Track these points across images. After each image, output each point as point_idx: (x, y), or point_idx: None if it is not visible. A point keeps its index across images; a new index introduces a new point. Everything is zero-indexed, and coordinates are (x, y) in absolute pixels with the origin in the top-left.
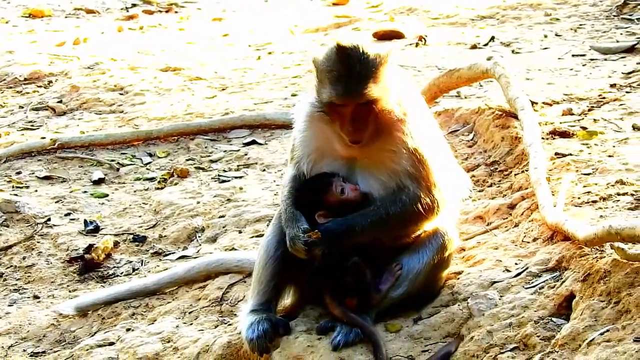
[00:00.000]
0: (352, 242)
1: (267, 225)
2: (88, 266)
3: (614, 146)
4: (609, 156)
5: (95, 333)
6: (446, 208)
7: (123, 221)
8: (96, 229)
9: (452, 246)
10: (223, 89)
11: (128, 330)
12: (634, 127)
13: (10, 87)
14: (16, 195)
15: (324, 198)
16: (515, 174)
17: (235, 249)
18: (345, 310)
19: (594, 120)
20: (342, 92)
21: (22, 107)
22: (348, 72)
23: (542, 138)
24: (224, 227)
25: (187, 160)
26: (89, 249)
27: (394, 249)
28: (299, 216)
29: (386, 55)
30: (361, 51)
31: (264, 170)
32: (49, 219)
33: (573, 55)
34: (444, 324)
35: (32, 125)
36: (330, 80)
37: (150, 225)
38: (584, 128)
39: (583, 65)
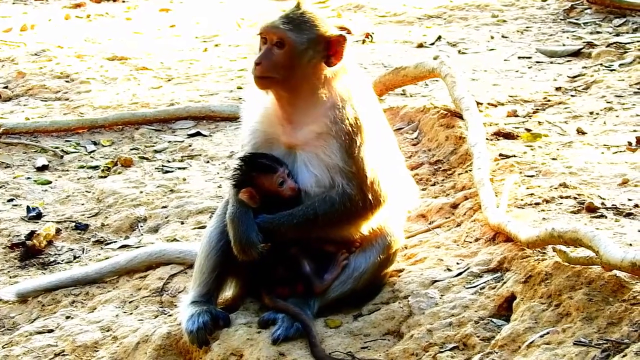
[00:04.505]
0: (279, 240)
1: (210, 217)
2: (29, 253)
3: (558, 149)
4: (553, 159)
5: (34, 320)
6: (384, 206)
7: (65, 209)
8: (38, 216)
9: (397, 245)
10: (169, 80)
11: (68, 317)
12: (578, 131)
13: None
14: None
15: (261, 179)
16: (458, 174)
17: (177, 240)
18: (274, 298)
19: (539, 122)
20: (264, 24)
21: None
22: (283, 13)
23: (487, 139)
24: (166, 218)
25: (131, 149)
26: (31, 235)
27: (343, 243)
28: (252, 220)
29: (330, 33)
30: (308, 10)
31: (208, 162)
32: None
33: (519, 58)
34: (384, 321)
35: None
36: None
37: (93, 214)
38: (529, 130)
39: (529, 68)
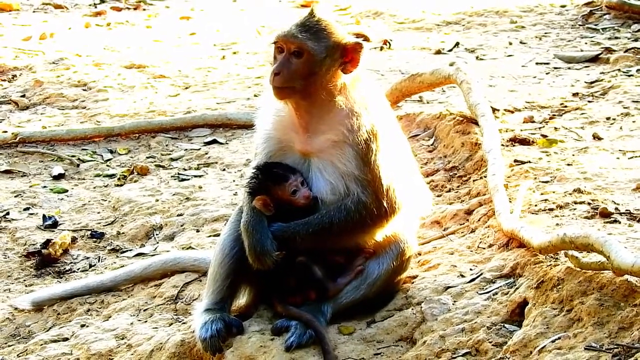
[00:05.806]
0: (294, 249)
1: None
2: (45, 261)
3: (573, 155)
4: (568, 165)
5: (50, 328)
6: (399, 214)
7: (81, 217)
8: (54, 224)
9: (410, 252)
10: (186, 88)
11: (83, 326)
12: (594, 137)
13: None
14: None
15: (275, 188)
16: (473, 180)
17: (193, 248)
18: (286, 306)
19: (555, 128)
20: (280, 33)
21: None
22: (298, 22)
23: (502, 145)
24: (182, 226)
25: (147, 157)
26: (47, 244)
27: (355, 251)
28: (267, 229)
29: (346, 41)
30: (323, 17)
31: (224, 169)
32: (7, 213)
33: (537, 63)
34: (397, 328)
35: None
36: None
37: (109, 222)
38: (545, 136)
39: (546, 74)
